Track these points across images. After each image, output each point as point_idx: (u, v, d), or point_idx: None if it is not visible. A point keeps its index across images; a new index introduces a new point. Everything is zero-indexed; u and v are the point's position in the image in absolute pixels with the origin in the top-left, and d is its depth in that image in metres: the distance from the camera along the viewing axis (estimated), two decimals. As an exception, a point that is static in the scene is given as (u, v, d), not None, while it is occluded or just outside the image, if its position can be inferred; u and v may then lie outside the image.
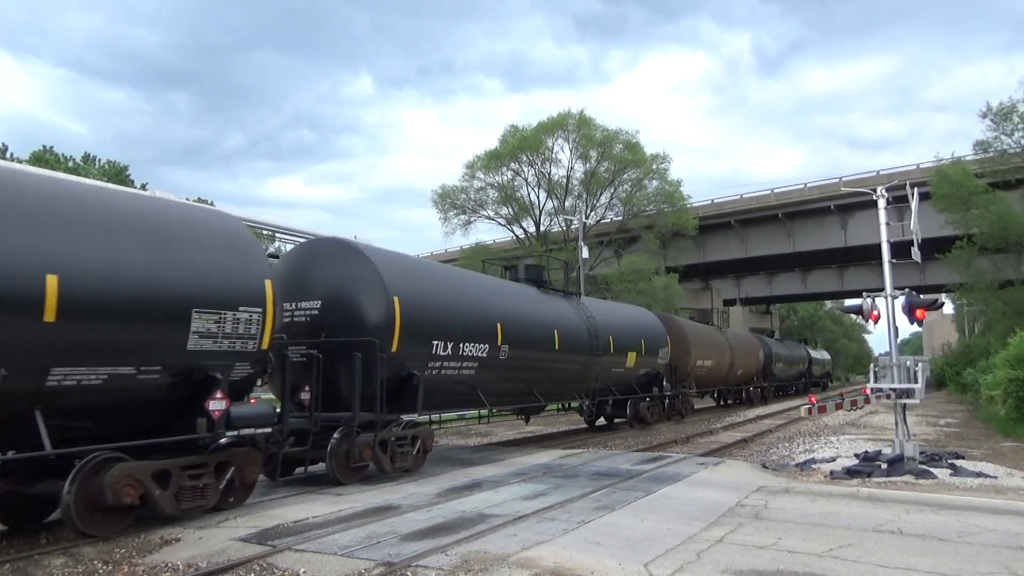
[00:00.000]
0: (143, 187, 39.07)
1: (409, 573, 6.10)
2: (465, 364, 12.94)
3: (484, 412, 16.30)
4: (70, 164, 39.94)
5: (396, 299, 11.19)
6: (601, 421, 23.42)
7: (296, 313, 11.51)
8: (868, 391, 12.37)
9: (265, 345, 8.98)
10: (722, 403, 36.01)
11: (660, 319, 24.62)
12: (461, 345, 12.68)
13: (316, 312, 11.35)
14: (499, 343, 13.77)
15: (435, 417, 15.97)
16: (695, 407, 28.56)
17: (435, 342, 12.08)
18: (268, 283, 9.07)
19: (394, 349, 11.09)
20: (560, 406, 20.75)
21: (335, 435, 10.47)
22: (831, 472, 11.66)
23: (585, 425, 23.47)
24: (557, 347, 16.19)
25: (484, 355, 13.36)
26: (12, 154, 39.31)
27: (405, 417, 11.63)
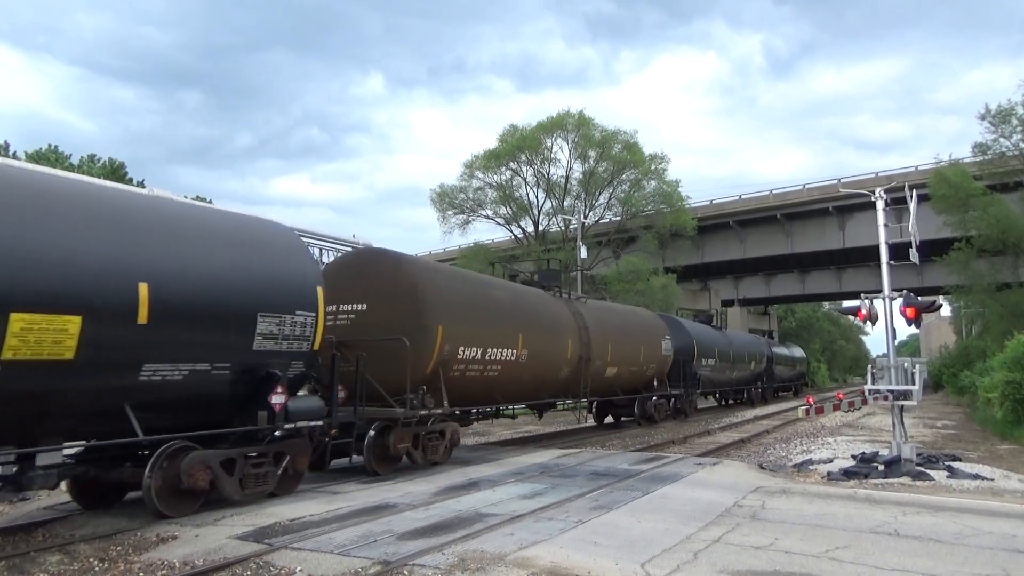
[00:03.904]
0: (140, 184, 39.03)
1: (406, 572, 6.09)
2: None
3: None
4: (70, 162, 39.86)
5: None
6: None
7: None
8: (866, 392, 12.39)
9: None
10: (611, 421, 24.01)
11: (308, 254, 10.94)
12: None
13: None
14: None
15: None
16: (458, 440, 13.48)
17: None
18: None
19: None
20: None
21: None
22: (828, 473, 11.66)
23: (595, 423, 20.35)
24: None
25: None
26: (14, 152, 39.22)
27: None
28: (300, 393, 10.04)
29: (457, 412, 14.23)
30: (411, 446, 11.88)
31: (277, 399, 9.09)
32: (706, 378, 29.00)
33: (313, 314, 9.68)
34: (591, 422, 23.82)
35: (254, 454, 9.06)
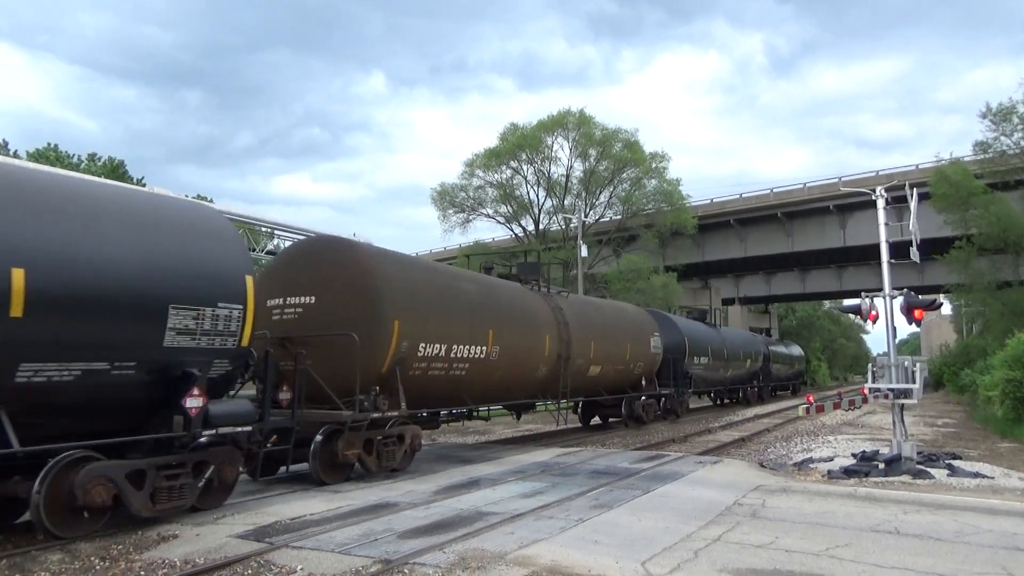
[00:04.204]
0: (139, 182, 39.04)
1: (406, 571, 6.10)
2: None
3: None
4: (72, 161, 39.86)
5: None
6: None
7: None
8: (866, 391, 12.39)
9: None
10: (598, 422, 22.91)
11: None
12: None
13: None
14: None
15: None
16: (419, 445, 12.19)
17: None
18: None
19: None
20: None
21: None
22: (828, 472, 11.67)
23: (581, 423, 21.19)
24: None
25: None
26: (15, 151, 39.23)
27: None
28: (245, 394, 9.36)
29: (424, 414, 13.49)
30: (364, 452, 10.78)
31: (193, 402, 7.96)
32: (699, 377, 27.95)
33: (240, 307, 8.44)
34: (576, 423, 22.94)
35: (171, 464, 7.87)
